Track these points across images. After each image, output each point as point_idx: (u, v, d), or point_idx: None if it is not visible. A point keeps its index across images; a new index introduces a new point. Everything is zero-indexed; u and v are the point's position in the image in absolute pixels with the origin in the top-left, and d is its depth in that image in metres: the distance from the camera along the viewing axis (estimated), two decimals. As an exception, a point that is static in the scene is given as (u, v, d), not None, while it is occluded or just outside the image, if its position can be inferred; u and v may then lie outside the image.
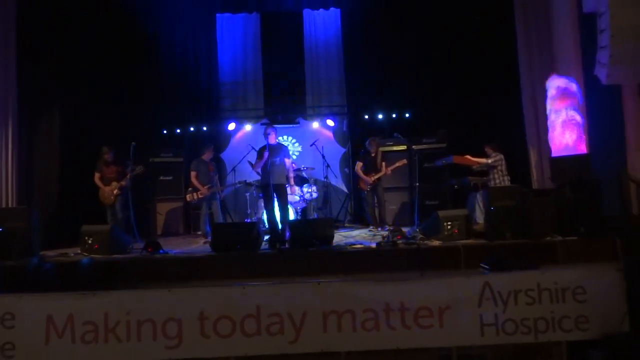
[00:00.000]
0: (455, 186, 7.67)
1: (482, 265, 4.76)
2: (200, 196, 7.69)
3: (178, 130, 9.93)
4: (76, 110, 8.29)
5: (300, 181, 8.69)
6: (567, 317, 4.16)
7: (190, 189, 7.83)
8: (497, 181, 7.14)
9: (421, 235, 5.96)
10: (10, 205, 7.11)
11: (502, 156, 7.20)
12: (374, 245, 5.73)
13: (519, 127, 8.18)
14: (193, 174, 7.76)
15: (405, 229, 6.27)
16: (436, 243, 5.72)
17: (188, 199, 7.88)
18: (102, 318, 4.15)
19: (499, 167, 7.17)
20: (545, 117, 6.87)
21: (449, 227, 5.82)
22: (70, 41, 8.23)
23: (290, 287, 4.27)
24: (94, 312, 4.16)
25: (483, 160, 7.18)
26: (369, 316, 4.15)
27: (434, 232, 5.90)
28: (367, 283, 4.26)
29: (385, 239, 5.79)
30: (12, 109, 7.29)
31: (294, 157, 9.60)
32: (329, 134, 10.05)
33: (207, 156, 7.94)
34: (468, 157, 7.15)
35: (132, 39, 9.25)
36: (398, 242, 5.66)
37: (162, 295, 4.21)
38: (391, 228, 6.59)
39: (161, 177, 9.32)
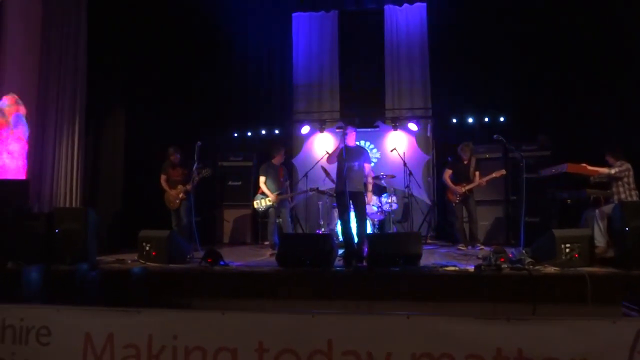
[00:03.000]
0: (568, 200, 6.40)
1: (625, 304, 3.60)
2: (268, 203, 7.01)
3: (249, 134, 9.41)
4: (144, 111, 7.97)
5: (379, 190, 7.80)
6: None
7: (258, 194, 7.19)
8: (623, 196, 5.82)
9: (530, 259, 4.82)
10: (74, 205, 6.81)
11: (629, 165, 5.87)
12: (471, 268, 4.70)
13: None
14: (262, 178, 7.11)
15: (508, 250, 5.16)
16: (551, 269, 4.60)
17: (255, 205, 7.24)
18: (145, 341, 3.48)
19: (625, 179, 5.84)
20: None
21: (567, 250, 4.69)
22: (140, 40, 7.95)
23: (371, 318, 3.36)
24: (136, 333, 3.50)
25: (605, 170, 5.89)
26: (474, 364, 3.15)
27: (548, 256, 4.78)
28: (472, 320, 3.25)
29: (486, 261, 4.73)
30: (80, 109, 7.07)
31: (372, 163, 8.72)
32: (412, 139, 9.08)
33: (277, 160, 7.26)
34: (586, 165, 5.90)
35: (204, 39, 8.92)
36: (502, 265, 4.59)
37: (215, 319, 3.46)
38: (490, 248, 5.50)
39: (230, 182, 8.84)
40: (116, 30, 7.55)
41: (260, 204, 7.11)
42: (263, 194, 7.08)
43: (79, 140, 7.01)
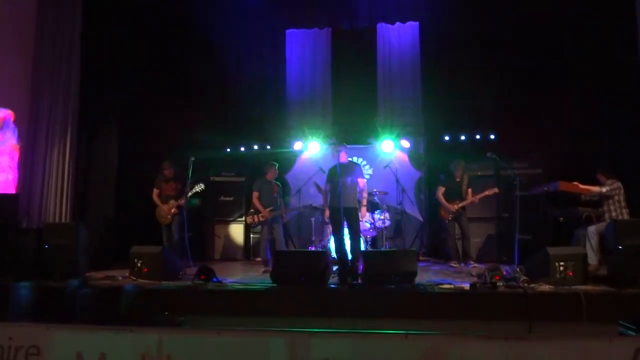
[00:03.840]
0: (561, 218, 6.45)
1: (622, 323, 3.61)
2: (261, 219, 6.98)
3: (242, 149, 9.39)
4: (136, 125, 7.93)
5: (372, 207, 7.79)
6: None
7: (251, 210, 7.16)
8: (614, 214, 5.88)
9: (524, 277, 4.84)
10: (64, 220, 6.71)
11: (619, 184, 5.95)
12: (466, 286, 4.70)
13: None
14: (255, 194, 7.09)
15: (502, 268, 5.17)
16: (546, 287, 4.61)
17: (248, 221, 7.21)
18: (138, 361, 3.41)
19: (616, 197, 5.91)
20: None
21: (561, 268, 4.71)
22: (134, 53, 7.93)
23: (370, 338, 3.33)
24: (129, 353, 3.43)
25: (596, 188, 5.96)
26: (473, 383, 3.13)
27: (542, 274, 4.80)
28: (470, 339, 3.24)
29: (481, 278, 4.73)
30: (72, 119, 7.03)
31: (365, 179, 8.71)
32: (404, 156, 9.11)
33: (270, 176, 7.24)
34: (578, 184, 5.96)
35: (198, 54, 8.90)
36: (497, 283, 4.59)
37: (209, 339, 3.41)
38: (483, 265, 5.51)
39: (221, 198, 8.78)
40: (110, 43, 7.54)
41: (254, 219, 7.07)
42: (256, 209, 7.04)
43: (70, 154, 6.94)
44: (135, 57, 7.92)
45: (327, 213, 6.01)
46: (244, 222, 8.63)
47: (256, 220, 7.04)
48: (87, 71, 7.31)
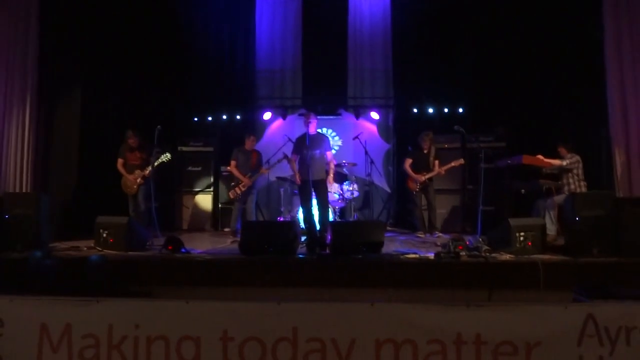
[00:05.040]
0: (522, 190, 6.66)
1: (576, 290, 3.80)
2: (243, 189, 6.94)
3: (210, 118, 9.23)
4: (99, 92, 7.67)
5: (340, 178, 7.85)
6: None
7: (232, 184, 7.11)
8: (572, 187, 6.12)
9: (486, 247, 5.02)
10: (24, 190, 6.50)
11: (578, 158, 6.17)
12: (431, 256, 4.83)
13: (597, 123, 7.11)
14: (232, 162, 7.09)
15: (465, 238, 5.32)
16: (507, 257, 4.79)
17: (232, 196, 7.12)
18: (105, 331, 3.39)
19: (575, 171, 6.14)
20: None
21: (522, 238, 4.88)
22: (95, 18, 7.59)
23: (336, 306, 3.40)
24: (96, 323, 3.41)
25: (557, 161, 6.16)
26: (435, 349, 3.26)
27: (503, 244, 4.97)
28: (433, 307, 3.35)
29: (445, 248, 4.87)
30: (31, 87, 6.72)
31: (334, 151, 8.73)
32: (373, 127, 9.16)
33: (248, 145, 7.23)
34: (540, 157, 6.14)
35: (164, 19, 8.60)
36: (461, 253, 4.74)
37: (178, 308, 3.41)
38: (448, 236, 5.66)
39: (189, 168, 8.66)
40: (71, 7, 7.19)
41: (236, 192, 6.99)
42: (236, 180, 6.99)
43: (30, 122, 6.66)
44: (97, 22, 7.58)
45: (298, 179, 5.95)
46: (212, 193, 8.58)
47: (239, 192, 6.98)
48: (47, 35, 6.96)
